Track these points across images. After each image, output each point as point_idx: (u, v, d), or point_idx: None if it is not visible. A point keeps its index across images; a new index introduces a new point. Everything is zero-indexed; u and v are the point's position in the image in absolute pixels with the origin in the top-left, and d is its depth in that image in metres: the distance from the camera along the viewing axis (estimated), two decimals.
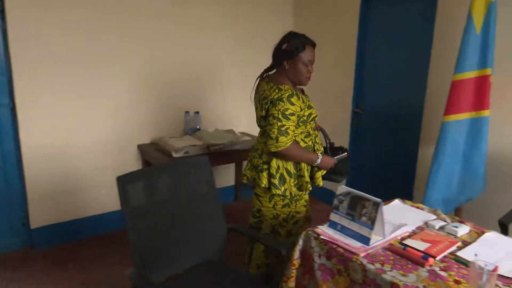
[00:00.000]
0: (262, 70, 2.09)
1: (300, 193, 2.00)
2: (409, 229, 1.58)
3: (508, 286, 1.21)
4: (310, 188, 2.01)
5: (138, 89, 3.10)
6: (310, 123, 2.00)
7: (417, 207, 1.82)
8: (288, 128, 1.85)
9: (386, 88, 3.21)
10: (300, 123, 1.93)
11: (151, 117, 3.20)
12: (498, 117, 2.41)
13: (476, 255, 1.17)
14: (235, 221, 3.33)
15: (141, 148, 3.13)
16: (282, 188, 1.94)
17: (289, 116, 1.85)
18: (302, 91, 2.11)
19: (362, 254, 1.38)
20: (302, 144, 1.98)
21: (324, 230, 1.54)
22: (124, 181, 1.49)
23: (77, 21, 2.76)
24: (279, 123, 1.83)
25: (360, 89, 3.44)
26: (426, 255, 1.36)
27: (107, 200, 3.04)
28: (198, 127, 3.38)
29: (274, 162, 1.94)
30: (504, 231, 1.88)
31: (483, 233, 1.55)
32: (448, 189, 2.41)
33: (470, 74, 2.30)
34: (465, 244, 1.47)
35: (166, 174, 1.70)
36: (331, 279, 1.44)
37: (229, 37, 3.51)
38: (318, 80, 3.78)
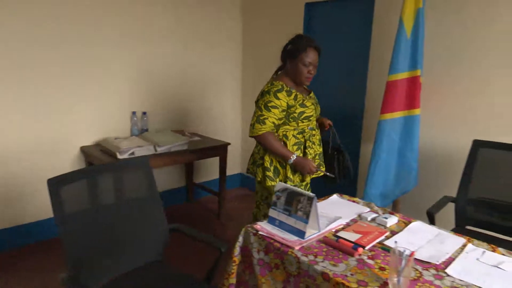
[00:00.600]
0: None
1: (296, 182, 2.14)
2: (344, 221, 1.66)
3: (427, 270, 1.31)
4: (299, 182, 2.14)
5: (80, 87, 2.99)
6: (304, 121, 2.10)
7: (353, 201, 1.92)
8: (266, 118, 2.03)
9: (330, 89, 3.34)
10: (290, 119, 2.07)
11: (95, 117, 3.10)
12: (428, 115, 2.60)
13: (396, 242, 1.26)
14: (187, 222, 3.34)
15: (84, 150, 3.02)
16: (277, 180, 2.11)
17: (270, 108, 2.03)
18: (309, 92, 2.25)
19: (297, 247, 1.43)
20: (293, 139, 2.10)
21: (263, 226, 1.58)
22: (56, 184, 1.44)
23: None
24: (259, 112, 2.04)
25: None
26: (356, 245, 1.44)
27: (45, 206, 2.89)
28: (145, 128, 3.32)
29: (267, 156, 2.12)
30: (431, 220, 2.04)
31: (410, 222, 1.67)
32: (386, 183, 2.56)
33: (403, 75, 2.46)
34: (393, 233, 1.57)
35: (103, 176, 1.66)
36: (269, 273, 1.49)
37: (175, 38, 3.49)
38: (265, 80, 3.85)
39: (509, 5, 2.23)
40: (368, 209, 1.80)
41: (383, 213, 1.75)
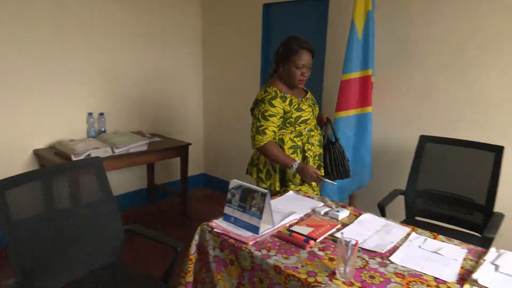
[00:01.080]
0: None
1: (282, 189, 2.09)
2: (298, 216, 1.71)
3: (373, 258, 1.38)
4: (293, 187, 2.08)
5: (33, 87, 2.87)
6: (301, 125, 2.07)
7: (309, 196, 1.98)
8: (266, 128, 2.01)
9: None
10: (287, 124, 2.06)
11: (49, 119, 2.99)
12: (379, 113, 2.72)
13: (342, 233, 1.32)
14: (149, 224, 3.30)
15: (38, 153, 2.92)
16: (268, 183, 2.12)
17: (268, 117, 2.01)
18: (306, 93, 2.22)
19: (251, 243, 1.46)
20: (289, 143, 2.07)
21: (218, 224, 1.60)
22: (1, 187, 1.39)
23: None
24: (258, 123, 2.03)
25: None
26: (308, 238, 1.49)
27: None
28: (103, 129, 3.25)
29: (262, 158, 2.12)
30: (382, 212, 2.14)
31: (360, 215, 1.75)
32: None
33: (355, 74, 2.56)
34: (344, 226, 1.64)
35: (53, 178, 1.61)
36: (224, 269, 1.51)
37: (134, 37, 3.43)
38: (226, 80, 3.90)
39: (452, 6, 2.37)
40: (322, 204, 1.86)
41: (336, 207, 1.81)
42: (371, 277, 1.26)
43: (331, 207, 1.83)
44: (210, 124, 4.19)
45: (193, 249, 1.60)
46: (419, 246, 1.47)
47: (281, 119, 2.04)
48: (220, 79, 3.97)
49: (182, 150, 3.36)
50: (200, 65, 4.09)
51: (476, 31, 2.31)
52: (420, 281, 1.24)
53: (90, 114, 3.17)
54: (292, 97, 2.07)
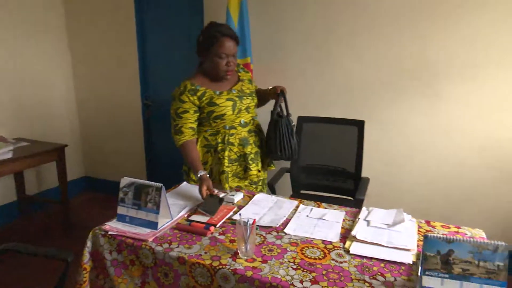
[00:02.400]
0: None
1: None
2: (194, 205, 1.73)
3: (270, 233, 1.49)
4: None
5: None
6: (216, 121, 1.91)
7: None
8: (182, 126, 1.90)
9: (171, 81, 3.30)
10: (202, 119, 1.94)
11: None
12: None
13: (240, 214, 1.40)
14: (25, 240, 2.91)
15: None
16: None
17: (181, 115, 1.89)
18: (236, 82, 2.00)
19: (151, 239, 1.43)
20: (203, 141, 1.96)
21: (112, 226, 1.52)
22: None
23: None
24: (174, 122, 1.92)
25: (147, 82, 3.47)
26: (208, 225, 1.52)
27: None
28: None
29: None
30: (272, 190, 2.30)
31: (253, 196, 1.85)
32: None
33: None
34: (240, 208, 1.72)
35: None
36: (125, 271, 1.45)
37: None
38: (101, 76, 3.62)
39: (315, 1, 2.63)
40: (217, 190, 1.91)
41: (230, 191, 1.88)
42: (270, 250, 1.37)
43: (225, 192, 1.89)
44: (87, 123, 3.85)
45: (86, 257, 1.49)
46: (307, 216, 1.64)
47: (197, 114, 1.92)
48: (94, 75, 3.67)
49: (57, 153, 3.03)
50: (67, 58, 3.70)
51: (336, 25, 2.61)
52: (311, 246, 1.40)
53: None
54: (207, 90, 1.90)
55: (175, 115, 1.92)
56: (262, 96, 2.12)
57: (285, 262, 1.29)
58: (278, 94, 2.00)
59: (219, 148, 1.94)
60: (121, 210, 1.56)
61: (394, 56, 2.50)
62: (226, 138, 1.94)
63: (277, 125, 1.98)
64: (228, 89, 1.96)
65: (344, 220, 1.60)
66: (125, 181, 1.56)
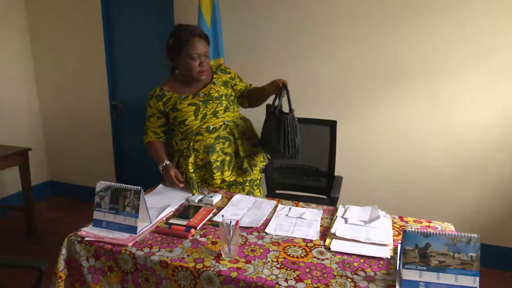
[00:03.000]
0: None
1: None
2: (173, 208, 1.71)
3: (251, 233, 1.50)
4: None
5: None
6: (181, 127, 1.90)
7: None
8: (148, 128, 2.00)
9: (141, 82, 3.27)
10: (171, 125, 1.95)
11: None
12: None
13: (223, 216, 1.39)
14: None
15: None
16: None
17: (148, 118, 1.99)
18: (206, 84, 1.94)
19: (130, 244, 1.40)
20: (175, 145, 1.98)
21: (89, 231, 1.47)
22: None
23: None
24: (146, 123, 2.01)
25: (115, 83, 3.38)
26: (188, 227, 1.51)
27: None
28: None
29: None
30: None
31: (232, 197, 1.85)
32: None
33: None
34: (219, 209, 1.72)
35: None
36: (103, 278, 1.41)
37: None
38: (66, 76, 3.49)
39: (285, 2, 2.67)
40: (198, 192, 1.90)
41: (208, 193, 1.87)
42: (252, 250, 1.38)
43: (203, 194, 1.88)
44: (52, 126, 3.69)
45: (61, 265, 1.43)
46: (286, 215, 1.66)
47: (162, 120, 1.97)
48: (58, 76, 3.52)
49: (19, 157, 2.88)
50: (29, 57, 3.53)
51: (309, 26, 2.65)
52: (292, 245, 1.42)
53: None
54: (172, 95, 1.90)
55: (147, 116, 2.00)
56: (260, 94, 2.00)
57: (269, 261, 1.30)
58: (280, 87, 1.85)
59: (185, 153, 1.93)
60: (97, 215, 1.51)
61: (365, 57, 2.59)
62: (191, 144, 1.91)
63: (281, 122, 1.82)
64: (194, 93, 1.91)
65: (322, 218, 1.64)
66: (101, 185, 1.52)
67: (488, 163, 2.48)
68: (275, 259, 1.32)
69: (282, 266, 1.28)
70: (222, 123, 1.94)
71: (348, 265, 1.28)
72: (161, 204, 1.72)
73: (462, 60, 2.40)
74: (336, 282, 1.19)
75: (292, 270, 1.25)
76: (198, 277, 1.26)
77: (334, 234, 1.46)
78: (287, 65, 2.76)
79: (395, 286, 1.16)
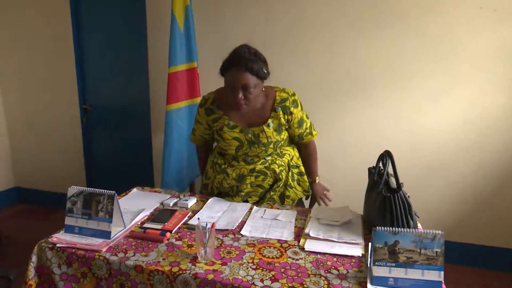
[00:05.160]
0: None
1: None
2: (148, 212, 1.70)
3: (227, 235, 1.51)
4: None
5: None
6: (221, 147, 1.87)
7: (155, 191, 1.97)
8: (195, 130, 1.97)
9: (113, 84, 3.23)
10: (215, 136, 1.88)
11: None
12: None
13: (198, 219, 1.40)
14: None
15: None
16: (204, 181, 2.03)
17: (196, 122, 1.94)
18: (264, 121, 1.78)
19: (104, 249, 1.38)
20: (216, 157, 1.92)
21: (60, 237, 1.44)
22: None
23: None
24: (194, 123, 1.96)
25: (85, 86, 3.31)
26: (163, 231, 1.51)
27: None
28: None
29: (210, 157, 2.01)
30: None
31: (207, 200, 1.86)
32: (180, 170, 2.72)
33: (182, 67, 2.63)
34: (195, 212, 1.72)
35: None
36: (76, 284, 1.38)
37: None
38: (32, 76, 3.38)
39: (256, 7, 2.70)
40: (169, 196, 1.89)
41: (184, 197, 1.87)
42: (228, 252, 1.39)
43: (178, 197, 1.88)
44: (16, 128, 3.56)
45: (31, 273, 1.39)
46: (261, 217, 1.69)
47: (208, 131, 1.89)
48: (23, 78, 3.41)
49: None
50: None
51: (278, 29, 2.71)
52: (267, 246, 1.44)
53: None
54: (222, 116, 1.79)
55: (195, 117, 1.96)
56: (305, 165, 2.00)
57: (244, 263, 1.32)
58: (383, 156, 1.57)
59: (216, 167, 1.91)
60: (69, 220, 1.48)
61: (330, 62, 2.66)
62: (226, 166, 1.86)
63: (390, 201, 1.44)
64: (244, 127, 1.79)
65: (296, 219, 1.67)
66: (73, 190, 1.49)
67: (449, 164, 2.61)
68: (250, 260, 1.34)
69: (258, 267, 1.30)
70: (263, 159, 1.85)
71: (321, 264, 1.32)
72: (135, 208, 1.71)
73: (423, 67, 2.51)
74: (310, 280, 1.23)
75: (268, 271, 1.28)
76: (174, 280, 1.26)
77: (308, 234, 1.50)
78: None
79: (366, 282, 1.21)
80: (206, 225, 1.33)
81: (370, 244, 1.32)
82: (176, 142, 2.66)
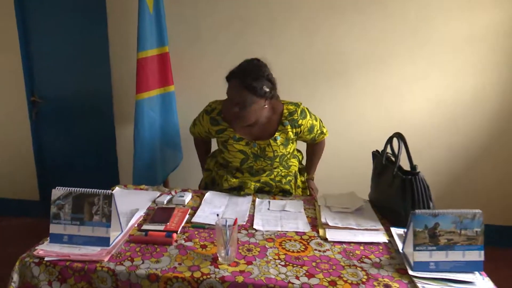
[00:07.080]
0: None
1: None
2: (142, 212, 1.50)
3: (239, 232, 1.38)
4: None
5: None
6: (224, 157, 1.76)
7: (140, 189, 1.76)
8: (196, 125, 1.87)
9: (67, 74, 2.87)
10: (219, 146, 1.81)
11: None
12: (181, 90, 2.68)
13: (218, 215, 1.25)
14: None
15: None
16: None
17: (199, 124, 1.84)
18: (270, 134, 1.70)
19: (106, 258, 1.18)
20: (227, 156, 1.75)
21: (47, 250, 1.21)
22: None
23: None
24: (197, 118, 1.87)
25: (33, 77, 2.91)
26: (168, 232, 1.33)
27: None
28: None
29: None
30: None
31: (203, 195, 1.69)
32: (154, 163, 2.49)
33: (152, 52, 2.40)
34: (194, 209, 1.56)
35: None
36: None
37: None
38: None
39: None
40: (160, 193, 1.70)
41: (176, 193, 1.69)
42: (248, 250, 1.26)
43: (170, 193, 1.70)
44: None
45: None
46: (268, 209, 1.57)
47: (209, 136, 1.86)
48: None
49: None
50: None
51: (254, 14, 2.57)
52: (287, 239, 1.34)
53: None
54: (227, 129, 1.71)
55: (198, 117, 1.86)
56: (307, 159, 2.04)
57: (271, 260, 1.21)
58: (396, 137, 1.50)
59: (220, 173, 1.81)
60: (55, 228, 1.25)
61: (310, 49, 2.58)
62: (228, 177, 1.73)
63: (411, 184, 1.37)
64: (250, 140, 1.70)
65: (305, 208, 1.58)
66: (58, 192, 1.26)
67: (428, 148, 2.68)
68: (276, 257, 1.22)
69: (287, 263, 1.19)
70: (269, 171, 1.77)
71: (351, 254, 1.24)
72: (126, 209, 1.50)
73: (400, 52, 2.53)
74: (347, 272, 1.14)
75: (299, 266, 1.17)
76: (198, 286, 1.11)
77: (326, 224, 1.42)
78: (232, 54, 2.61)
79: (404, 269, 1.15)
80: (226, 222, 1.19)
81: (392, 229, 1.28)
82: (148, 133, 2.42)
